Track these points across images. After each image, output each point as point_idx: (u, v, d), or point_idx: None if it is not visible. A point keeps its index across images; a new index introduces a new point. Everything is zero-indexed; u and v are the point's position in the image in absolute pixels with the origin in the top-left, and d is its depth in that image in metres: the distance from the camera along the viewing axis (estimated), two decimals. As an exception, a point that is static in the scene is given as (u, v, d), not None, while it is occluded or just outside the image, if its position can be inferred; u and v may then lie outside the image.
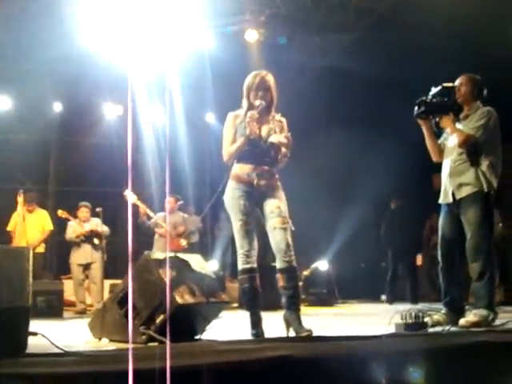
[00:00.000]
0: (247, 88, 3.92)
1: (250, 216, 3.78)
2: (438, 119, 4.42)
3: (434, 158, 4.54)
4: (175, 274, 3.47)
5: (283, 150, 3.86)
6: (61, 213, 8.02)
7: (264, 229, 3.89)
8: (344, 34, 9.33)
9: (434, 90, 4.41)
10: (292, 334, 3.67)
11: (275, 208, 3.78)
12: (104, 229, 7.95)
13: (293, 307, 3.72)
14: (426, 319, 3.95)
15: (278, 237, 3.75)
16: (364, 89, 9.41)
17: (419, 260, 9.28)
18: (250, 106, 3.87)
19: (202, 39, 8.88)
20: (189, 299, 3.42)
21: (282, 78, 9.53)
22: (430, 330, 3.90)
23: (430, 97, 4.39)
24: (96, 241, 7.85)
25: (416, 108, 4.40)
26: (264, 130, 3.86)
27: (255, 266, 3.82)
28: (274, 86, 3.93)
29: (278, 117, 3.98)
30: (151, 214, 7.55)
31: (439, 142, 4.52)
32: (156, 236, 7.71)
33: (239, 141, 3.80)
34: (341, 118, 9.79)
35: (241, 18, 9.08)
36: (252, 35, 9.22)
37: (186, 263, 3.77)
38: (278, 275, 3.77)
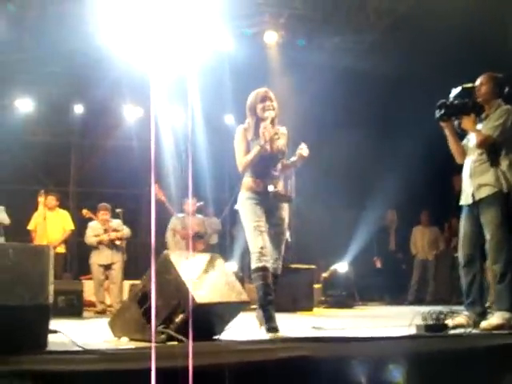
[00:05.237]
0: (252, 104, 4.19)
1: (262, 220, 4.08)
2: (460, 120, 4.38)
3: (458, 160, 4.49)
4: (194, 274, 3.48)
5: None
6: (85, 212, 8.05)
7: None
8: (363, 34, 9.29)
9: (454, 92, 4.38)
10: (262, 329, 3.97)
11: (280, 219, 4.18)
12: (125, 230, 7.98)
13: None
14: (448, 321, 3.91)
15: (275, 245, 4.13)
16: (384, 89, 9.35)
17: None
18: (258, 120, 4.14)
19: (222, 41, 8.89)
20: (208, 299, 3.42)
21: (302, 79, 9.52)
22: (452, 332, 3.86)
23: (450, 99, 4.36)
24: (117, 241, 7.89)
25: (437, 111, 4.36)
26: (274, 144, 4.14)
27: (269, 265, 4.03)
28: (275, 99, 4.19)
29: (282, 130, 4.28)
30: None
31: (463, 143, 4.47)
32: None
33: (253, 150, 4.09)
34: (361, 119, 9.74)
35: (260, 20, 9.08)
36: (271, 37, 9.22)
37: (205, 263, 3.78)
38: None
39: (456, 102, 4.34)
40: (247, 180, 4.19)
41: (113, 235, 7.82)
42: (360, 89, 9.32)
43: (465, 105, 4.32)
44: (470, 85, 4.36)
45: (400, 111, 9.27)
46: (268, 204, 4.12)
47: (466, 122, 4.31)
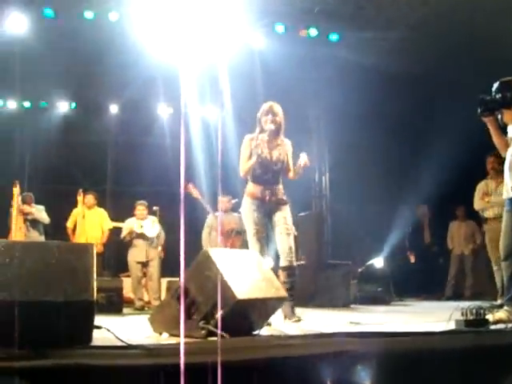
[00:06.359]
0: (259, 116, 4.67)
1: (261, 226, 4.60)
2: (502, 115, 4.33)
3: (502, 154, 4.44)
4: (233, 270, 3.52)
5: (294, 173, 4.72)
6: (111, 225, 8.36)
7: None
8: (393, 31, 9.16)
9: (494, 86, 4.33)
10: (286, 320, 4.41)
11: (282, 218, 4.63)
12: (160, 231, 8.13)
13: (288, 298, 4.31)
14: (488, 316, 3.86)
15: (283, 241, 4.58)
16: (418, 87, 9.23)
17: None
18: (261, 131, 4.62)
19: (253, 38, 8.91)
20: (248, 295, 3.45)
21: (333, 75, 9.47)
22: (492, 327, 3.81)
23: (493, 93, 4.31)
24: (150, 235, 8.00)
25: (478, 107, 4.32)
26: (274, 154, 4.63)
27: None
28: (282, 113, 4.66)
29: (286, 141, 4.75)
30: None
31: (508, 136, 4.41)
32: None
33: (253, 158, 4.57)
34: (396, 115, 9.65)
35: (291, 16, 9.04)
36: (302, 32, 9.18)
37: (244, 260, 3.82)
38: (280, 271, 4.58)
39: (497, 96, 4.28)
40: (249, 186, 4.69)
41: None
42: (393, 86, 9.21)
43: (504, 98, 4.25)
44: (508, 78, 4.30)
45: (434, 106, 9.16)
46: (267, 207, 4.63)
47: (507, 116, 4.25)
